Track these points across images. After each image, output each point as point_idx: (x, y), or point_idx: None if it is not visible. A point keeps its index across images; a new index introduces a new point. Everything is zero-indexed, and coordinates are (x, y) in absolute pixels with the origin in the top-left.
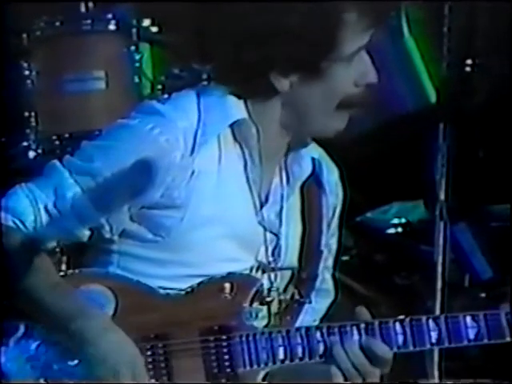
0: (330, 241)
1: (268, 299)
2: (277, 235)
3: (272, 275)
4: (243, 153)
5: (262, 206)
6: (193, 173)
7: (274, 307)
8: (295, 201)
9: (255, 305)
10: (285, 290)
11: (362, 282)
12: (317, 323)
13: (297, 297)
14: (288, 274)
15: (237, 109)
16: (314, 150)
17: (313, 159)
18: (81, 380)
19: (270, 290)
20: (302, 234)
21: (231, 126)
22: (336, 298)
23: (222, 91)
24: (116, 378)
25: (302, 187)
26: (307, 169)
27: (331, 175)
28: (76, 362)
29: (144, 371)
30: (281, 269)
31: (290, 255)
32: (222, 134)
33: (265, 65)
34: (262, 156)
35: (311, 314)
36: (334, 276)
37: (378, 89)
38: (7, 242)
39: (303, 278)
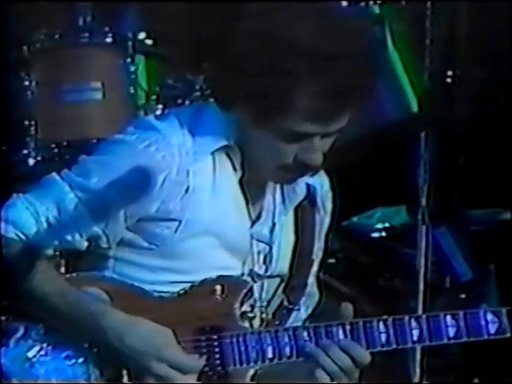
0: (318, 249)
1: (250, 315)
2: (269, 245)
3: (258, 288)
4: (236, 170)
5: (254, 222)
6: (188, 188)
7: (256, 324)
8: (288, 216)
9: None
10: (269, 303)
11: (347, 284)
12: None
13: (286, 303)
14: (276, 284)
15: (226, 134)
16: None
17: (307, 185)
18: (80, 379)
19: (253, 306)
20: (295, 244)
21: (223, 148)
22: (321, 298)
23: (217, 109)
24: (160, 359)
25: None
26: (301, 193)
27: (321, 194)
28: (73, 361)
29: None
30: (271, 277)
31: (282, 264)
32: (216, 152)
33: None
34: (251, 176)
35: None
36: (318, 277)
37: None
38: (11, 255)
39: (293, 286)
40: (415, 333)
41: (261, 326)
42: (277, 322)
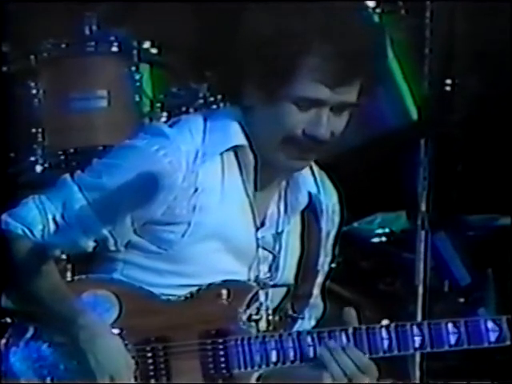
0: (324, 261)
1: (256, 317)
2: (274, 253)
3: (263, 294)
4: (243, 175)
5: (260, 227)
6: (196, 190)
7: (262, 325)
8: (295, 224)
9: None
10: (275, 311)
11: (348, 288)
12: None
13: (290, 312)
14: (282, 292)
15: (238, 134)
16: (312, 184)
17: (309, 193)
18: (86, 380)
19: (259, 308)
20: (300, 253)
21: (233, 148)
22: (325, 310)
23: (228, 115)
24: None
25: (302, 213)
26: (303, 202)
27: (328, 206)
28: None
29: (132, 379)
30: (276, 285)
31: (287, 273)
32: (225, 155)
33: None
34: (259, 180)
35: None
36: (322, 289)
37: (364, 106)
38: (14, 248)
39: (298, 295)
40: (417, 339)
41: (267, 328)
42: (282, 330)
